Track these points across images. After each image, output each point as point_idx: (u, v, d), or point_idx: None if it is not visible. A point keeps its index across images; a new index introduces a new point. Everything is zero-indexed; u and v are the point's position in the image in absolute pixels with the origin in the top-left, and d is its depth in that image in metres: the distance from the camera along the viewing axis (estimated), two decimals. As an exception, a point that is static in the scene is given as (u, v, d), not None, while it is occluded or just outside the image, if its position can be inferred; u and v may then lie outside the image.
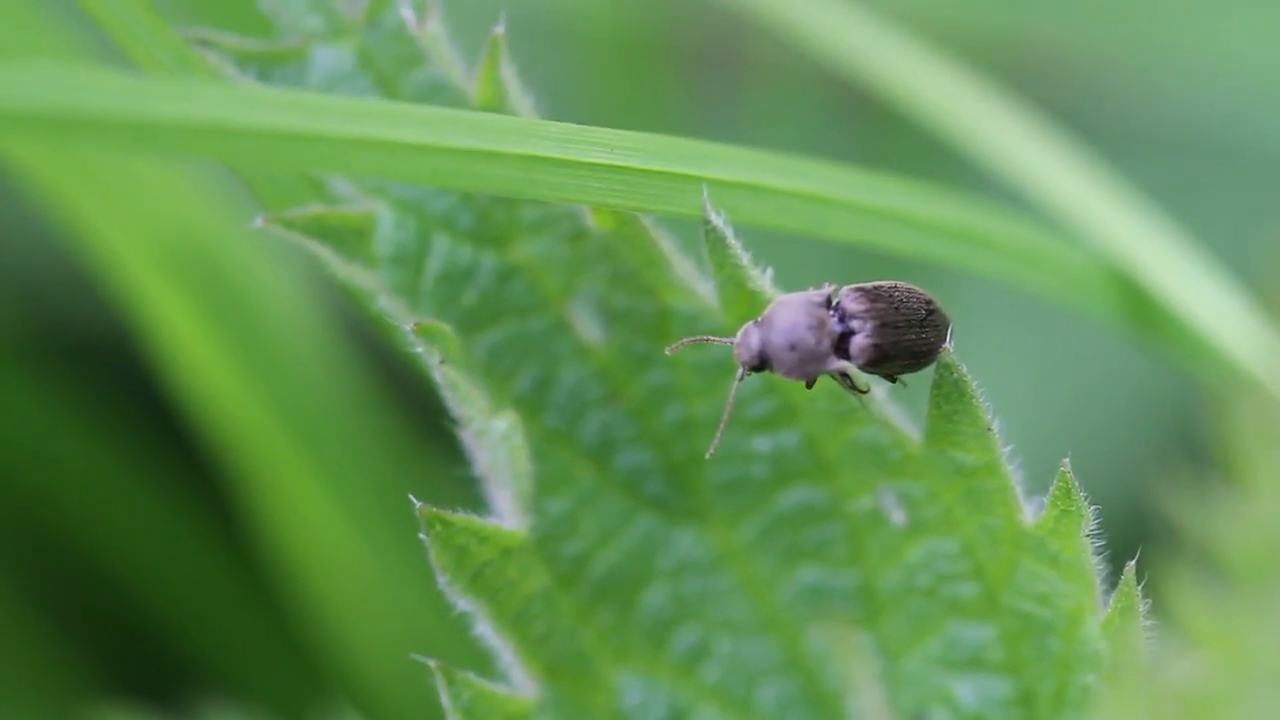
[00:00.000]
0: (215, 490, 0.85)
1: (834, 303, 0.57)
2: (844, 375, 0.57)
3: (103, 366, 0.95)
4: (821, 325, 0.56)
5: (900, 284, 0.57)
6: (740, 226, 0.58)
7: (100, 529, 0.91)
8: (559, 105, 0.59)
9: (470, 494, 0.60)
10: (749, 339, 0.56)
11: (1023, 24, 0.96)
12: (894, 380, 0.58)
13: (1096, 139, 0.73)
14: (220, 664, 0.88)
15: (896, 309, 0.57)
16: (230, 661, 0.88)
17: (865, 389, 0.58)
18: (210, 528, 0.90)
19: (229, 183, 0.72)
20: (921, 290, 0.57)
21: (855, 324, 0.57)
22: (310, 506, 0.75)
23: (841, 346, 0.57)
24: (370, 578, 0.76)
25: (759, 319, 0.57)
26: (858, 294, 0.57)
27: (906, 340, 0.57)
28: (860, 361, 0.57)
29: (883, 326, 0.56)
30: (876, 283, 0.57)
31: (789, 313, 0.56)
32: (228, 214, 0.74)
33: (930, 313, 0.57)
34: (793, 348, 0.56)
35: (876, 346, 0.57)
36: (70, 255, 0.78)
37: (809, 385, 0.57)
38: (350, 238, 0.57)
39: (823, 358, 0.56)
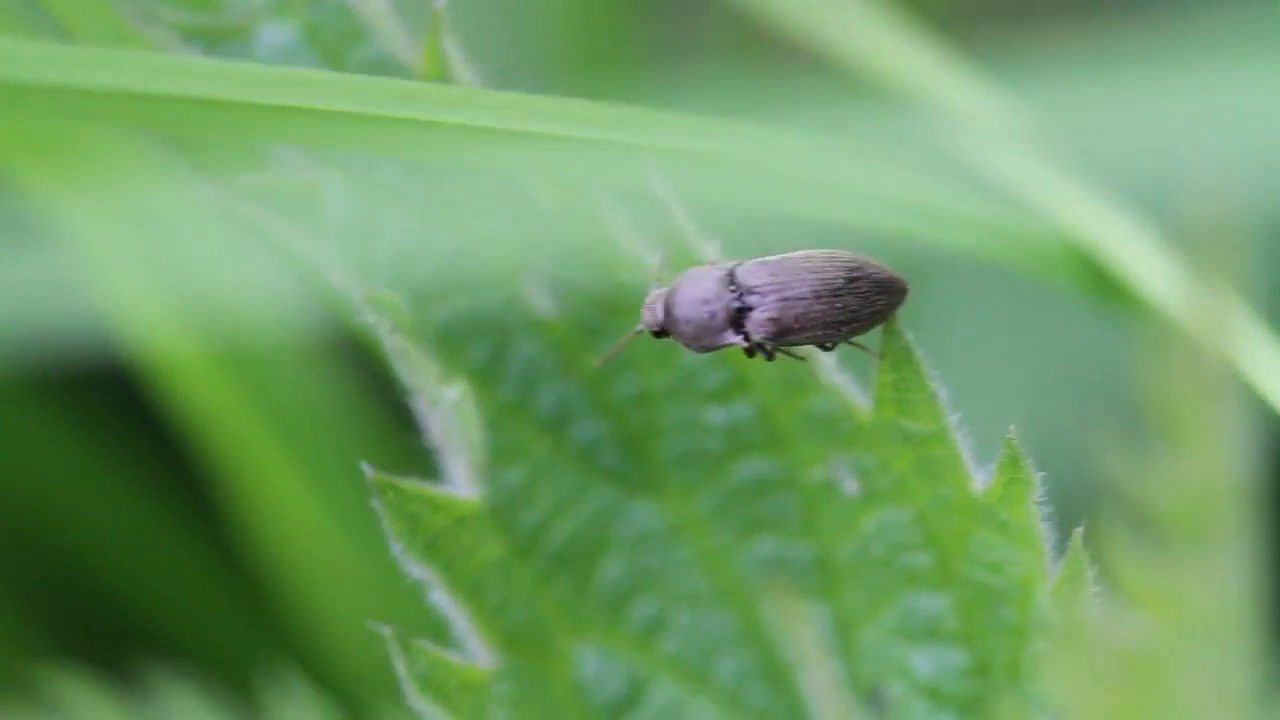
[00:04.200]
0: (182, 462, 0.86)
1: (735, 277, 0.58)
2: (758, 347, 0.58)
3: (76, 353, 0.96)
4: (717, 299, 0.57)
5: (816, 253, 0.58)
6: (692, 197, 0.58)
7: (67, 504, 0.91)
8: (519, 66, 0.59)
9: (433, 468, 0.60)
10: (655, 307, 0.58)
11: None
12: (828, 348, 0.58)
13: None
14: (182, 633, 0.89)
15: (803, 280, 0.57)
16: (193, 631, 0.89)
17: (801, 357, 0.59)
18: (179, 500, 0.91)
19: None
20: (848, 256, 0.58)
21: (753, 299, 0.57)
22: (275, 477, 0.76)
23: (740, 321, 0.57)
24: (335, 549, 0.77)
25: (667, 288, 0.58)
26: (757, 268, 0.57)
27: (815, 312, 0.57)
28: (760, 335, 0.57)
29: (783, 300, 0.57)
30: (785, 254, 0.58)
31: (688, 287, 0.57)
32: (191, 197, 0.75)
33: (853, 280, 0.57)
34: (688, 321, 0.57)
35: (773, 320, 0.57)
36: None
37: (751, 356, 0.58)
38: (299, 206, 0.58)
39: (717, 332, 0.57)
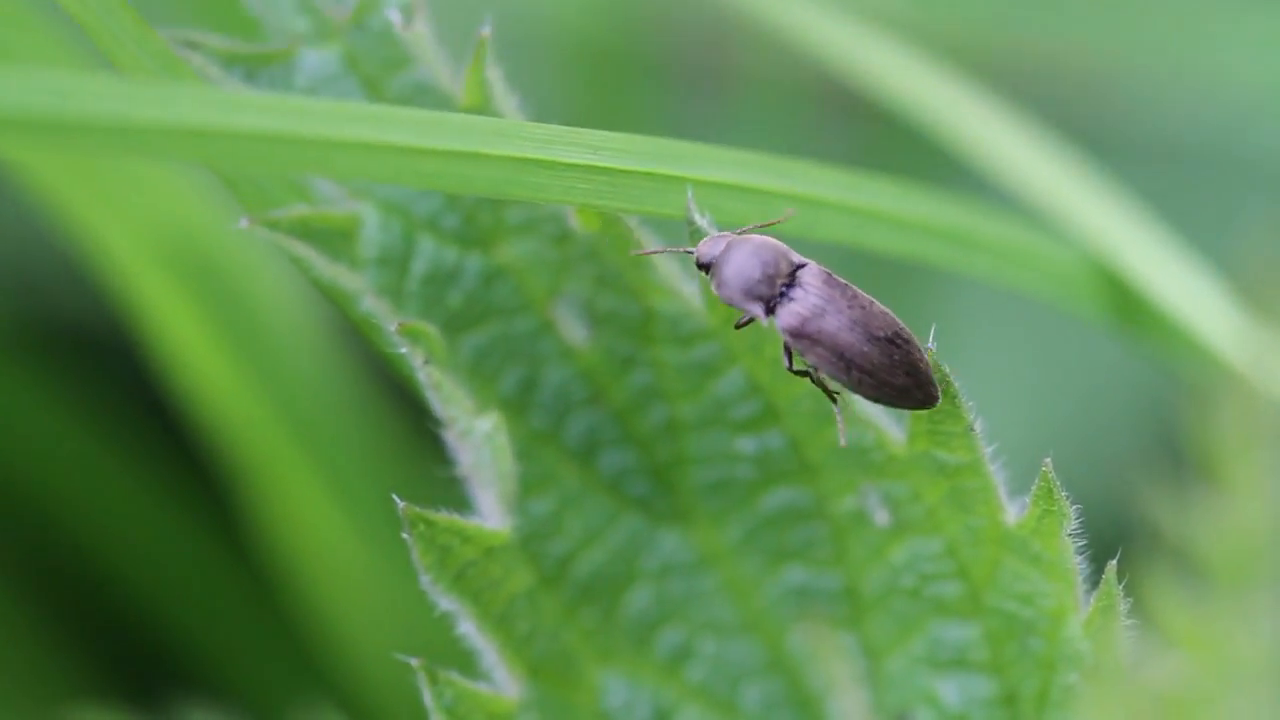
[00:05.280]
0: (211, 487, 0.85)
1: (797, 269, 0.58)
2: (786, 351, 0.58)
3: (99, 362, 0.95)
4: (773, 271, 0.57)
5: (878, 303, 0.58)
6: (726, 228, 0.58)
7: (95, 525, 0.91)
8: (537, 110, 0.59)
9: (457, 495, 0.60)
10: (718, 241, 0.58)
11: (1013, 31, 0.96)
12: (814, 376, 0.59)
13: (1085, 143, 0.74)
14: (212, 660, 0.88)
15: (850, 307, 0.58)
16: (223, 658, 0.88)
17: (835, 392, 0.59)
18: (205, 524, 0.90)
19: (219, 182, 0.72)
20: (905, 328, 0.58)
21: (796, 293, 0.58)
22: (305, 503, 0.75)
23: (775, 305, 0.58)
24: (365, 576, 0.76)
25: (735, 233, 0.58)
26: (819, 272, 0.58)
27: (840, 339, 0.57)
28: (782, 326, 0.58)
29: (819, 309, 0.57)
30: (851, 283, 0.58)
31: (759, 244, 0.58)
32: (224, 213, 0.74)
33: (892, 343, 0.57)
34: (738, 270, 0.57)
35: (799, 317, 0.58)
36: (67, 251, 0.78)
37: (737, 326, 0.59)
38: (335, 239, 0.57)
39: (751, 297, 0.57)
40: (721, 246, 0.58)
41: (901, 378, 0.57)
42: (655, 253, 0.59)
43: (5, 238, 0.98)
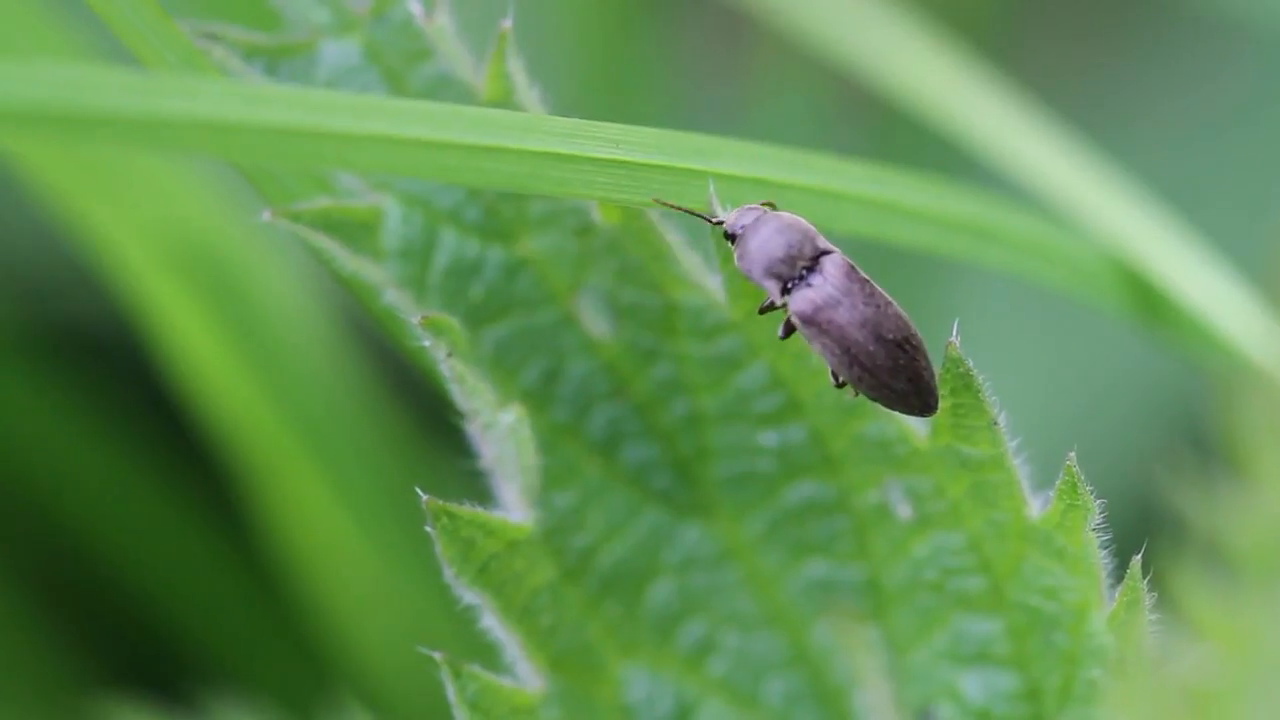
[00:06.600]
0: (220, 485, 0.85)
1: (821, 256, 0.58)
2: (788, 326, 0.58)
3: (107, 362, 0.95)
4: (797, 253, 0.57)
5: (898, 306, 0.58)
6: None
7: (104, 524, 0.91)
8: (557, 102, 0.59)
9: (476, 488, 0.60)
10: (748, 214, 0.58)
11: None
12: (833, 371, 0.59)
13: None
14: (226, 660, 0.88)
15: (865, 304, 0.57)
16: (236, 657, 0.88)
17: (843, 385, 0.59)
18: (215, 523, 0.90)
19: (234, 179, 0.72)
20: (918, 334, 0.58)
21: (815, 279, 0.57)
22: (315, 502, 0.75)
23: (791, 287, 0.57)
24: (375, 572, 0.76)
25: (767, 209, 0.58)
26: (842, 263, 0.58)
27: (848, 334, 0.57)
28: (794, 309, 0.58)
29: (833, 300, 0.57)
30: (875, 282, 0.58)
31: (790, 222, 0.58)
32: (233, 211, 0.74)
33: (900, 347, 0.57)
34: (762, 244, 0.57)
35: (812, 304, 0.57)
36: (75, 251, 0.78)
37: (761, 311, 0.59)
38: (357, 231, 0.57)
39: (771, 274, 0.57)
40: (751, 219, 0.58)
41: (902, 383, 0.57)
42: (678, 209, 0.58)
43: (11, 237, 0.99)
